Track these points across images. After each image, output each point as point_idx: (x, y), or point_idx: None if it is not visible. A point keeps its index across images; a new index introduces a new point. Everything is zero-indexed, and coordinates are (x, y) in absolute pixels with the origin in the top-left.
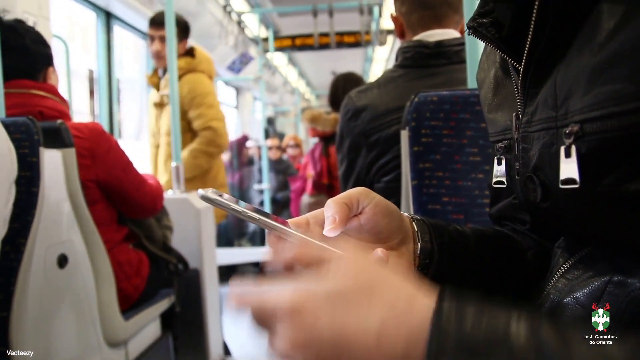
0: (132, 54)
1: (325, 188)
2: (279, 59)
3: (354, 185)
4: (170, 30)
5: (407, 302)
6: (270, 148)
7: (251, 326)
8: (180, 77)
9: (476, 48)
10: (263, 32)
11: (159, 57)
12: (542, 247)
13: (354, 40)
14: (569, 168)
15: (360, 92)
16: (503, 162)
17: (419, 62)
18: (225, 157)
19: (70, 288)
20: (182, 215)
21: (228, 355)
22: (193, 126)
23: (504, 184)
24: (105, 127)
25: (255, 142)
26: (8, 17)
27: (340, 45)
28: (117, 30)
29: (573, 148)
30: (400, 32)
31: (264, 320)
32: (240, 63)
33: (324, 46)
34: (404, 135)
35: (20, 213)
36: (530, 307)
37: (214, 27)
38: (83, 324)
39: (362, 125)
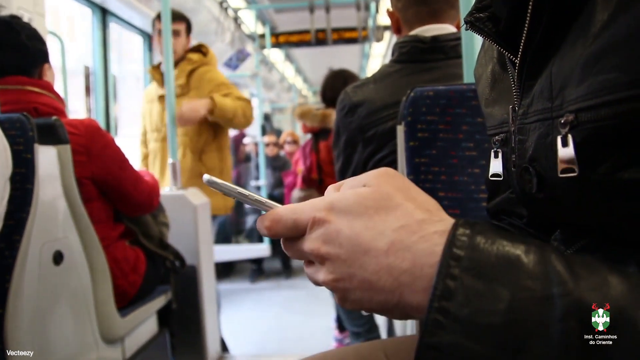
0: (128, 50)
1: (316, 183)
2: (275, 55)
3: None
4: (167, 25)
5: (419, 225)
6: (267, 145)
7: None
8: (192, 70)
9: (472, 43)
10: (260, 29)
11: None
12: None
13: (350, 37)
14: (566, 157)
15: (356, 88)
16: (500, 155)
17: (415, 57)
18: None
19: (66, 285)
20: (179, 212)
21: (226, 352)
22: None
23: (500, 177)
24: (102, 123)
25: (252, 139)
26: (3, 13)
27: (337, 41)
28: (113, 27)
29: (570, 137)
30: (396, 27)
31: (296, 228)
32: (237, 59)
33: (320, 42)
34: (400, 130)
35: (15, 210)
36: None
37: (210, 23)
38: (79, 321)
39: (358, 120)
